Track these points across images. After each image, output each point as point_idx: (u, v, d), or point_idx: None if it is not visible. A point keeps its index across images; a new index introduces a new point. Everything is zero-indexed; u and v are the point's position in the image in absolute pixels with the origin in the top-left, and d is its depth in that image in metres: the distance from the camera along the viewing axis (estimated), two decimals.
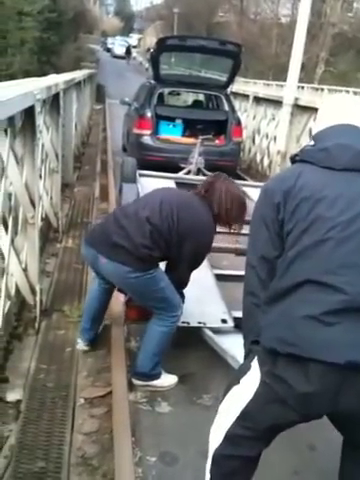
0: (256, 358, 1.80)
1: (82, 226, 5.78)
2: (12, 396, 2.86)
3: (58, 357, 3.24)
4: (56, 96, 5.11)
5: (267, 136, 10.11)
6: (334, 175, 1.73)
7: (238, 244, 4.28)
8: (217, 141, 8.54)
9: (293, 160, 1.89)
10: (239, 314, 2.73)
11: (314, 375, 1.62)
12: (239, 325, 2.83)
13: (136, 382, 3.01)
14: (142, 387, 3.01)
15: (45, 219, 5.16)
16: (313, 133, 1.92)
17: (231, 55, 8.09)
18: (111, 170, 8.35)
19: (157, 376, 3.03)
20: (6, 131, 2.99)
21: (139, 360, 3.02)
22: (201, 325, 3.21)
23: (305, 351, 1.62)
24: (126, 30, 68.57)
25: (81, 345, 3.31)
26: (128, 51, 44.80)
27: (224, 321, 3.26)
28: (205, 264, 3.63)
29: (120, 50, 47.51)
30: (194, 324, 3.19)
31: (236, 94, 11.55)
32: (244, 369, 1.87)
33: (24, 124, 3.31)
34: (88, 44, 37.07)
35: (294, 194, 1.74)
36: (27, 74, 14.60)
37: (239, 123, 8.67)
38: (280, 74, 19.47)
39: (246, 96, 11.30)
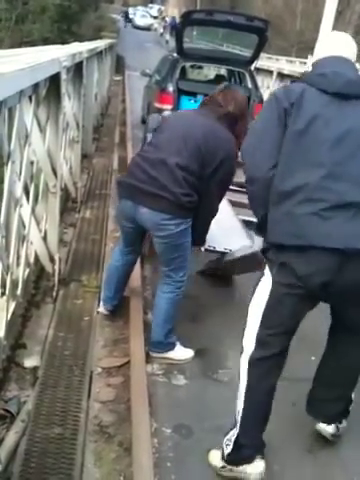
0: (267, 266, 2.17)
1: (100, 197, 5.77)
2: (29, 362, 2.88)
3: (75, 326, 3.26)
4: (79, 65, 5.05)
5: None
6: (327, 98, 2.04)
7: None
8: None
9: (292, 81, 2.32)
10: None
11: (315, 260, 1.99)
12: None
13: (153, 354, 3.03)
14: (159, 359, 3.03)
15: (64, 189, 5.15)
16: (312, 62, 2.29)
17: (257, 31, 7.89)
18: (130, 142, 8.28)
19: (172, 346, 3.06)
20: (30, 98, 2.95)
21: (152, 331, 3.05)
22: (227, 251, 3.39)
23: (308, 241, 1.97)
24: (148, 0, 67.40)
25: (102, 310, 3.38)
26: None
27: (250, 247, 3.35)
28: (225, 204, 3.90)
29: (141, 21, 46.69)
30: (220, 249, 3.41)
31: (259, 70, 11.34)
32: (257, 280, 2.24)
33: (49, 91, 3.27)
34: (109, 14, 36.55)
35: (298, 105, 2.03)
36: (47, 42, 14.45)
37: (262, 101, 8.49)
38: (303, 51, 19.10)
39: (269, 72, 11.10)
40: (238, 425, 2.23)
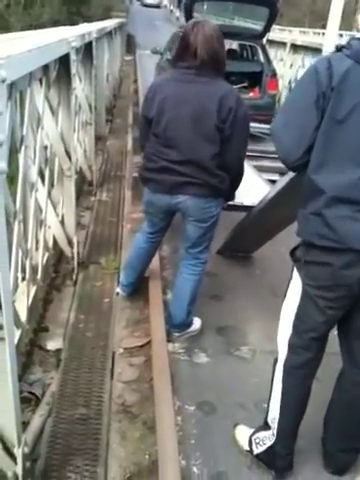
0: (295, 269, 2.03)
1: (116, 179, 5.75)
2: (52, 345, 2.91)
3: (96, 308, 3.28)
4: (89, 45, 5.00)
5: None
6: None
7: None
8: (251, 94, 8.28)
9: (338, 50, 1.86)
10: None
11: (347, 261, 1.85)
12: None
13: (176, 334, 3.04)
14: (180, 337, 3.04)
15: (79, 172, 5.14)
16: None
17: (268, 3, 7.72)
18: None
19: (192, 322, 3.08)
20: (41, 81, 2.93)
21: (174, 312, 3.04)
22: (252, 205, 3.39)
23: (340, 243, 1.83)
24: None
25: (122, 293, 3.39)
26: None
27: None
28: (253, 170, 4.21)
29: None
30: (248, 203, 3.49)
31: (272, 42, 11.13)
32: (287, 285, 2.10)
33: (59, 73, 3.24)
34: None
35: (339, 90, 1.76)
36: (56, 24, 14.31)
37: (274, 75, 8.37)
38: (316, 22, 18.69)
39: (283, 44, 10.88)
40: (275, 432, 2.16)
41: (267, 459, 2.21)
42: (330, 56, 1.85)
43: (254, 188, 3.78)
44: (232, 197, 3.05)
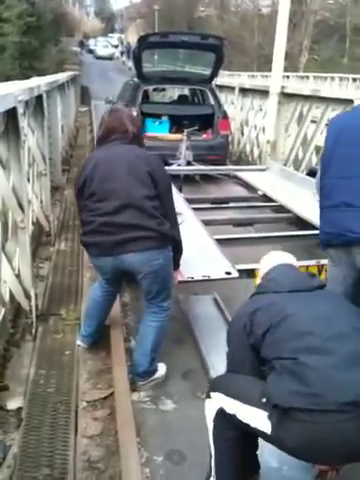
0: None
1: (74, 228, 5.72)
2: (13, 404, 2.81)
3: (57, 361, 3.18)
4: (39, 98, 5.04)
5: (255, 127, 10.06)
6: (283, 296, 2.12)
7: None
8: (204, 135, 8.49)
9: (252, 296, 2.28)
10: (243, 266, 3.24)
11: None
12: (243, 276, 3.23)
13: (140, 383, 2.97)
14: (144, 385, 2.97)
15: (36, 223, 5.10)
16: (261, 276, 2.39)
17: (214, 49, 8.04)
18: None
19: (156, 369, 3.03)
20: None
21: (138, 360, 2.99)
22: (206, 278, 3.20)
23: None
24: (107, 31, 68.26)
25: (82, 345, 3.31)
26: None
27: (228, 273, 3.23)
28: (202, 229, 3.94)
29: (103, 51, 47.16)
30: (198, 278, 3.20)
31: (222, 87, 11.49)
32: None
33: (7, 127, 3.24)
34: (70, 47, 36.89)
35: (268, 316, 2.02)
36: (9, 79, 14.46)
37: (226, 116, 8.61)
38: (264, 65, 19.43)
39: (232, 88, 11.23)
40: (213, 473, 2.13)
41: None
42: None
43: (208, 257, 3.53)
44: (177, 265, 3.05)
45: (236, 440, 2.05)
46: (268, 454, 2.38)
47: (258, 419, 1.88)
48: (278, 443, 1.86)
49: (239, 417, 1.96)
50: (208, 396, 2.13)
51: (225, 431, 2.05)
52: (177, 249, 2.97)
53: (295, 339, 1.91)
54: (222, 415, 2.03)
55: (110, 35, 61.30)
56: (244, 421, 1.94)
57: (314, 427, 1.74)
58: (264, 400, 1.85)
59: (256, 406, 1.89)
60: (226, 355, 2.22)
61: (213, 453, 2.11)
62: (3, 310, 3.23)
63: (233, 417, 1.99)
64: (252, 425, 1.91)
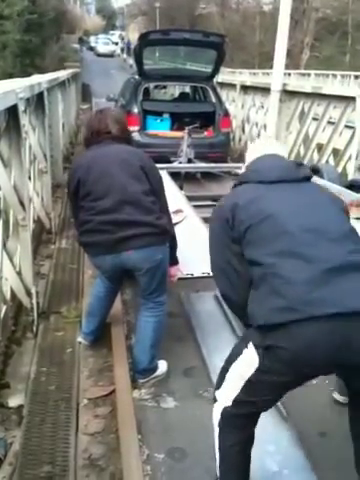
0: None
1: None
2: (14, 401, 2.81)
3: (58, 359, 3.19)
4: (40, 96, 5.04)
5: (257, 124, 10.05)
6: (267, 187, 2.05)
7: None
8: (206, 133, 8.48)
9: (235, 186, 2.23)
10: None
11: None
12: None
13: (140, 380, 2.97)
14: (145, 383, 2.97)
15: (37, 221, 5.11)
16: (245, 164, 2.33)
17: (215, 46, 8.03)
18: None
19: (157, 366, 3.02)
20: None
21: (138, 357, 2.98)
22: (205, 275, 3.20)
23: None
24: (108, 28, 68.18)
25: (84, 342, 3.31)
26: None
27: None
28: (203, 226, 3.85)
29: (104, 48, 47.02)
30: (198, 274, 3.24)
31: (223, 84, 11.48)
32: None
33: (8, 125, 3.24)
34: (71, 44, 36.86)
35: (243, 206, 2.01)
36: (11, 77, 14.46)
37: (227, 114, 8.61)
38: (265, 62, 19.40)
39: (233, 85, 11.21)
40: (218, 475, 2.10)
41: None
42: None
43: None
44: (175, 260, 3.07)
45: (241, 445, 2.03)
46: (269, 457, 2.40)
47: (249, 362, 1.85)
48: (269, 372, 1.81)
49: (238, 391, 1.92)
50: (215, 400, 2.09)
51: (229, 435, 2.02)
52: (173, 243, 2.98)
53: (273, 240, 1.88)
54: (227, 417, 2.01)
55: (111, 32, 61.20)
56: (241, 392, 1.91)
57: (298, 340, 1.72)
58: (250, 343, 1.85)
59: (244, 352, 1.88)
60: (209, 255, 2.19)
61: (218, 458, 2.08)
62: (4, 307, 3.24)
63: (237, 404, 1.94)
64: (246, 376, 1.87)
